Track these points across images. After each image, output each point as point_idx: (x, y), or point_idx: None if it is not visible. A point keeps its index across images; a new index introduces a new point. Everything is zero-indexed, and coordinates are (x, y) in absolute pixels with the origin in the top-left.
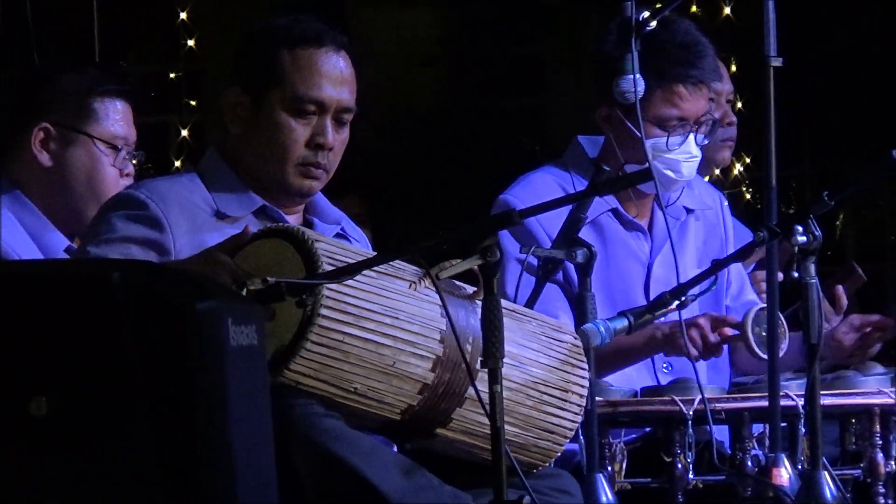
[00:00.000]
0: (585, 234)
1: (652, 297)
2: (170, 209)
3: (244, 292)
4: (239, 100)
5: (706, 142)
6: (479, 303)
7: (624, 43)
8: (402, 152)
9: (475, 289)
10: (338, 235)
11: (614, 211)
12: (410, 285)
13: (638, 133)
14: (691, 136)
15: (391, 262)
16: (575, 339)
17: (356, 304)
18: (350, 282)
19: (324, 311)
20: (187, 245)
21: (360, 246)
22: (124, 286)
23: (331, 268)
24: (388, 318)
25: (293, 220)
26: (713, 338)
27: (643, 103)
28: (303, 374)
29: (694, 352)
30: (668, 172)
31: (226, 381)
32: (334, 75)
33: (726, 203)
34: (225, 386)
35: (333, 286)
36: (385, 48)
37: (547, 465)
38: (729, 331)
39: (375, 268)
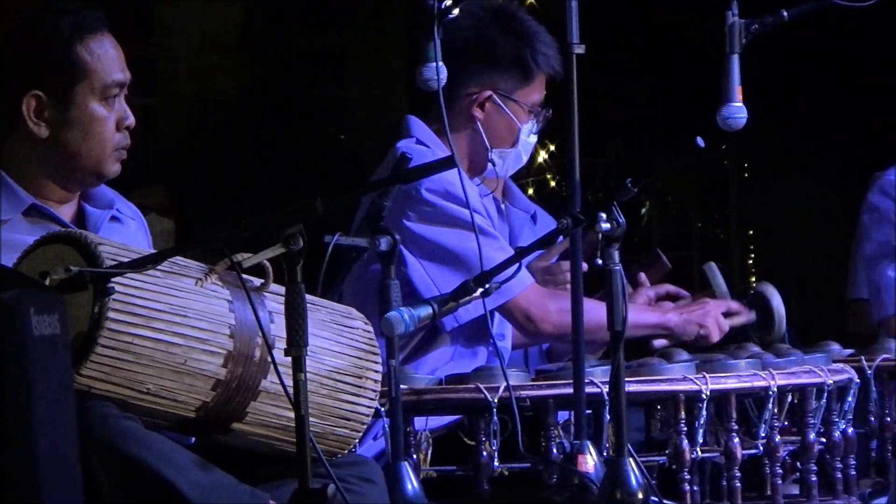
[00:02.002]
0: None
1: None
2: None
3: (47, 282)
4: (41, 104)
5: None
6: (267, 295)
7: (426, 31)
8: (205, 142)
9: (263, 280)
10: (112, 219)
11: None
12: (197, 282)
13: (516, 120)
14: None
15: (176, 261)
16: (366, 323)
17: (144, 304)
18: (136, 283)
19: (111, 315)
20: None
21: (136, 225)
22: None
23: None
24: (176, 316)
25: (68, 210)
26: (725, 325)
27: (525, 86)
28: (94, 378)
29: (715, 338)
30: (523, 156)
31: (29, 370)
32: (120, 55)
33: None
34: (28, 375)
35: (119, 289)
36: (189, 38)
37: (346, 451)
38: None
39: (161, 267)
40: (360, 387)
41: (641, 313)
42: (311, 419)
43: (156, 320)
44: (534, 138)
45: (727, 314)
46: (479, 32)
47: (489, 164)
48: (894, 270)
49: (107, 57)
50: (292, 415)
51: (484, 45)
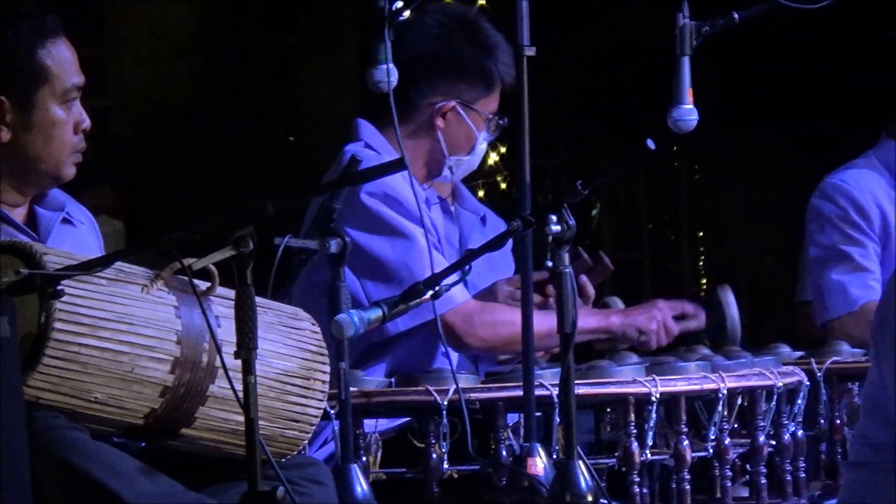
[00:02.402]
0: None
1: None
2: None
3: None
4: (3, 108)
5: None
6: (213, 298)
7: (378, 33)
8: (156, 143)
9: (209, 284)
10: (64, 221)
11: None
12: (143, 289)
13: (475, 129)
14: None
15: (122, 268)
16: (313, 324)
17: (90, 314)
18: (83, 292)
19: (57, 325)
20: None
21: (87, 228)
22: None
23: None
24: (123, 324)
25: (20, 212)
26: (675, 328)
27: (486, 94)
28: (42, 388)
29: (654, 345)
30: (477, 162)
31: None
32: (75, 58)
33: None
34: None
35: (66, 298)
36: (139, 39)
37: (295, 453)
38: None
39: (107, 275)
40: (308, 388)
41: (583, 316)
42: (259, 422)
43: (102, 329)
44: (485, 144)
45: (680, 317)
46: (446, 42)
47: (446, 171)
48: (837, 274)
49: (65, 60)
50: (241, 419)
51: (450, 55)
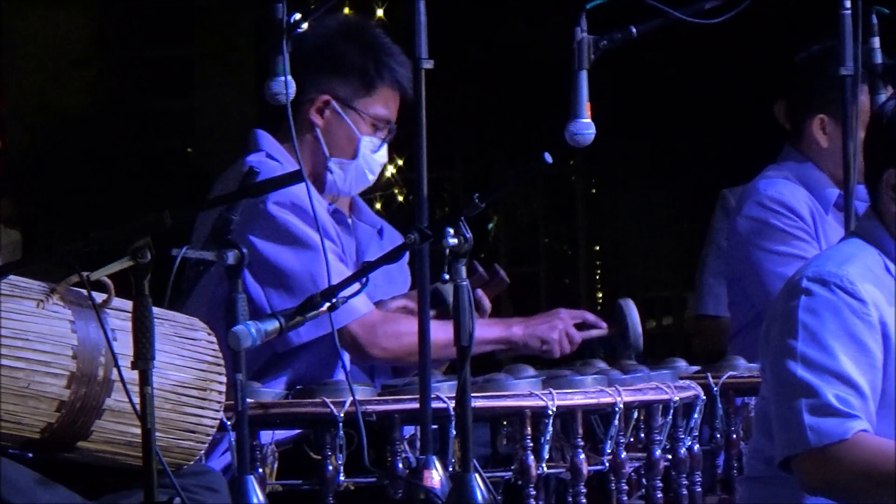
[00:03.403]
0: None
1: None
2: None
3: None
4: None
5: None
6: (108, 311)
7: (275, 44)
8: (54, 153)
9: (105, 296)
10: None
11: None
12: (38, 304)
13: (355, 130)
14: (385, 144)
15: (17, 282)
16: (209, 334)
17: None
18: None
19: None
20: None
21: None
22: None
23: None
24: (18, 340)
25: None
26: (577, 337)
27: (367, 97)
28: None
29: (557, 353)
30: (368, 174)
31: None
32: None
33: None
34: None
35: None
36: (36, 48)
37: (191, 463)
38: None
39: (1, 290)
40: (204, 399)
41: (484, 327)
42: (156, 433)
43: None
44: (382, 156)
45: (582, 326)
46: (325, 40)
47: (328, 174)
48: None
49: None
50: (137, 431)
51: (327, 51)
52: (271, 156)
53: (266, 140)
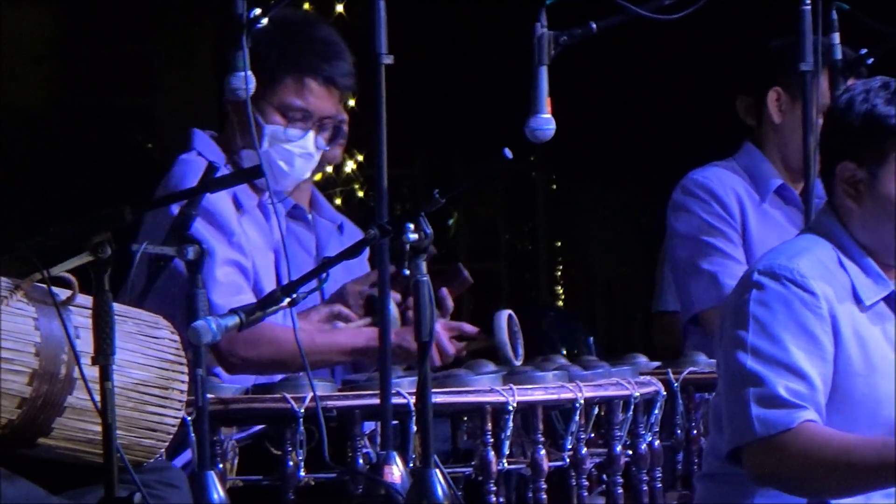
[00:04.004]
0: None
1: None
2: None
3: None
4: None
5: (327, 148)
6: (72, 308)
7: (235, 40)
8: (12, 151)
9: (69, 293)
10: None
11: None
12: (2, 301)
13: (260, 120)
14: (311, 134)
15: None
16: (172, 333)
17: None
18: None
19: None
20: None
21: None
22: None
23: None
24: None
25: None
26: (450, 349)
27: (270, 86)
28: None
29: (436, 363)
30: (282, 164)
31: None
32: None
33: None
34: None
35: None
36: None
37: (151, 460)
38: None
39: None
40: (166, 398)
41: (351, 336)
42: (117, 431)
43: None
44: (303, 146)
45: (462, 337)
46: (253, 35)
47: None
48: (707, 264)
49: None
50: (98, 428)
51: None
52: (201, 153)
53: (199, 138)
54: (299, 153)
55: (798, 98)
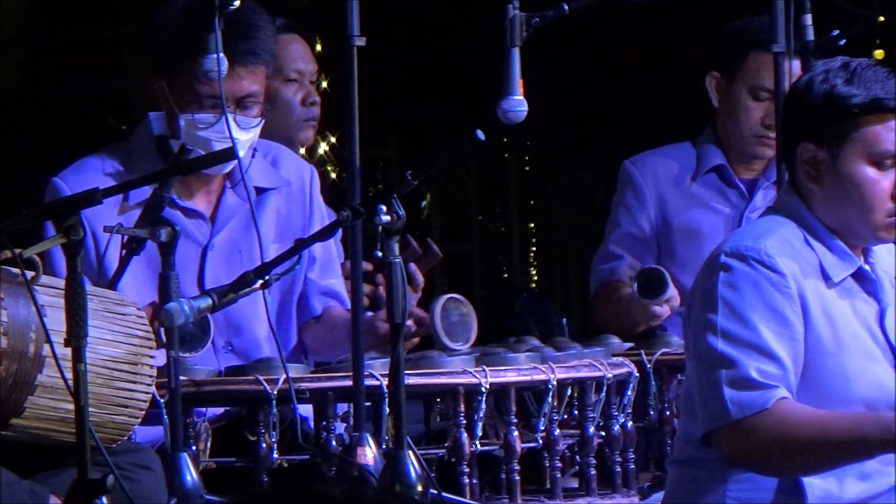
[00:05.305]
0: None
1: (209, 282)
2: None
3: None
4: None
5: (254, 124)
6: (38, 288)
7: (207, 22)
8: None
9: (34, 273)
10: None
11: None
12: None
13: (174, 108)
14: (228, 118)
15: None
16: (138, 310)
17: None
18: None
19: None
20: None
21: None
22: None
23: None
24: None
25: None
26: (383, 329)
27: (179, 73)
28: None
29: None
30: (201, 151)
31: None
32: None
33: (316, 177)
34: None
35: None
36: None
37: (124, 438)
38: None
39: None
40: (136, 374)
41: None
42: (89, 409)
43: None
44: (225, 130)
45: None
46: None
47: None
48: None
49: None
50: (70, 407)
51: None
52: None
53: (157, 121)
54: (217, 139)
55: (732, 82)
